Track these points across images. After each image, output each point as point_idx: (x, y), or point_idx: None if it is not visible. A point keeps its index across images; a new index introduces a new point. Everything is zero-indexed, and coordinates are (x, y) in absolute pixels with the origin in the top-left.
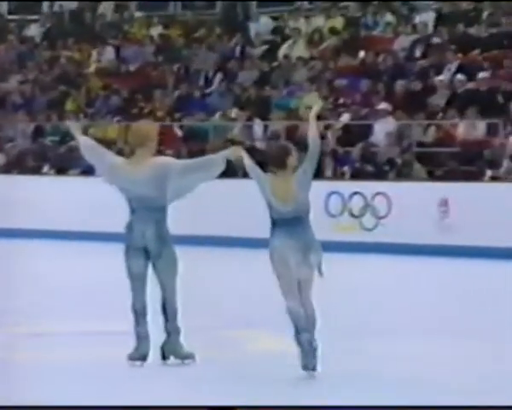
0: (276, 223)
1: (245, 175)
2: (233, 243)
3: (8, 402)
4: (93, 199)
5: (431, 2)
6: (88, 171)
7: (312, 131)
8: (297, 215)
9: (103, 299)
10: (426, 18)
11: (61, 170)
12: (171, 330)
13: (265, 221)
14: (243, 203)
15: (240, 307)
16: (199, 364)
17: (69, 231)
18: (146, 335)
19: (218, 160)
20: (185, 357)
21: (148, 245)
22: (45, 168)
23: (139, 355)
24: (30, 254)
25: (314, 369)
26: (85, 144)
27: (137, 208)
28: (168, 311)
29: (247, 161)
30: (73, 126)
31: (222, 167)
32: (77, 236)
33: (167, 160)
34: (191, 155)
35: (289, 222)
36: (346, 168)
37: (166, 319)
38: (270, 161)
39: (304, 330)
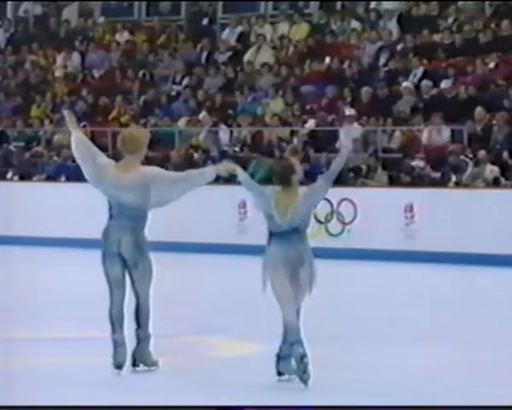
0: (272, 235)
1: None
2: (194, 249)
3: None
4: (58, 204)
5: (395, 8)
6: (52, 176)
7: (342, 157)
8: (293, 228)
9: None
10: (391, 25)
11: (25, 176)
12: (142, 337)
13: (225, 227)
14: (200, 210)
15: (198, 314)
16: (160, 370)
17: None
18: (122, 342)
19: (208, 174)
20: (152, 364)
21: (124, 253)
22: (10, 174)
23: (116, 364)
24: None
25: (305, 383)
26: (78, 140)
27: (116, 215)
28: (141, 318)
29: (244, 177)
30: (70, 118)
31: (211, 179)
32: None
33: (156, 171)
34: (156, 160)
35: (285, 235)
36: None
37: (138, 326)
38: (275, 179)
39: (297, 343)
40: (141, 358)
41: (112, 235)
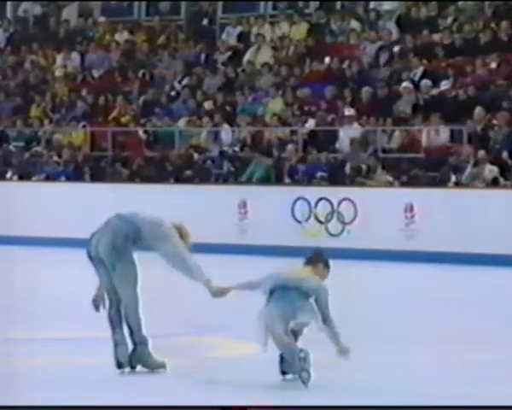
0: (272, 292)
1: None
2: (194, 249)
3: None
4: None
5: (395, 8)
6: (52, 177)
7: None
8: (294, 288)
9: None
10: (390, 25)
11: (25, 176)
12: (137, 341)
13: (225, 227)
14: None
15: (198, 314)
16: (160, 370)
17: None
18: (122, 342)
19: (203, 281)
20: (155, 367)
21: (102, 256)
22: (9, 174)
23: (116, 363)
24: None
25: (305, 383)
26: None
27: (112, 217)
28: (130, 323)
29: (243, 286)
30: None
31: (199, 282)
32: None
33: (173, 237)
34: (157, 160)
35: (285, 291)
36: (318, 174)
37: (130, 331)
38: (307, 257)
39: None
40: (139, 360)
41: (94, 237)
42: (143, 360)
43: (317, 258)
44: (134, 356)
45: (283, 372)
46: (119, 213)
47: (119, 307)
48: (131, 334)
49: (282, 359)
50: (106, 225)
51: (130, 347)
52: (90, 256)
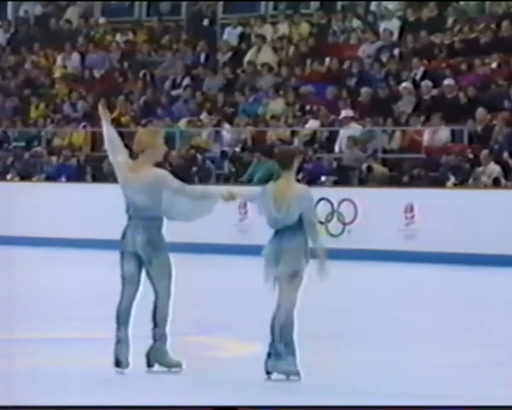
0: (274, 232)
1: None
2: (194, 250)
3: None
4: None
5: (396, 8)
6: (52, 177)
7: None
8: (287, 223)
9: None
10: (391, 25)
11: (25, 176)
12: (158, 336)
13: (225, 227)
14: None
15: (198, 314)
16: (160, 370)
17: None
18: (124, 341)
19: (214, 195)
20: (171, 365)
21: (139, 251)
22: (10, 174)
23: (114, 361)
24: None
25: (298, 374)
26: (109, 136)
27: (132, 215)
28: (158, 317)
29: (244, 195)
30: (103, 112)
31: (216, 204)
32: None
33: (164, 175)
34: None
35: (279, 231)
36: (322, 179)
37: (155, 325)
38: (278, 162)
39: (290, 341)
40: (155, 358)
41: (128, 234)
42: (160, 357)
43: (289, 155)
44: (152, 353)
45: (268, 372)
46: (132, 207)
47: (130, 305)
48: (155, 328)
49: (269, 355)
50: (134, 226)
51: (150, 343)
52: (124, 251)
